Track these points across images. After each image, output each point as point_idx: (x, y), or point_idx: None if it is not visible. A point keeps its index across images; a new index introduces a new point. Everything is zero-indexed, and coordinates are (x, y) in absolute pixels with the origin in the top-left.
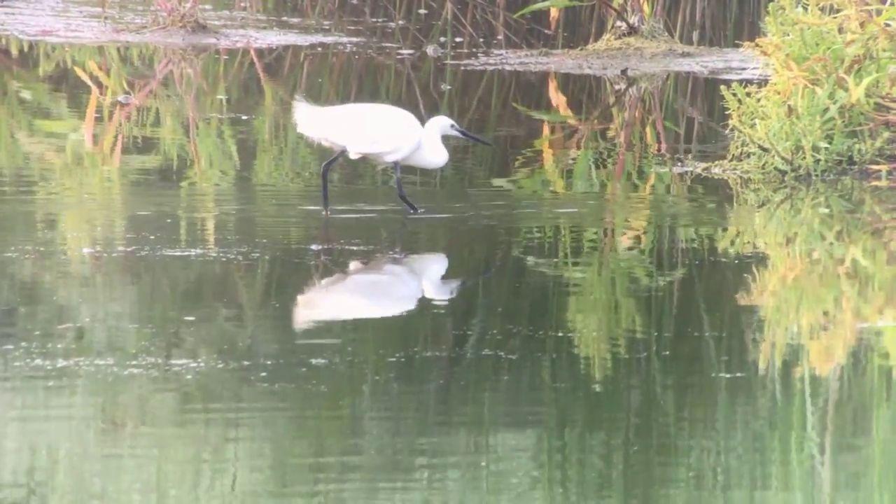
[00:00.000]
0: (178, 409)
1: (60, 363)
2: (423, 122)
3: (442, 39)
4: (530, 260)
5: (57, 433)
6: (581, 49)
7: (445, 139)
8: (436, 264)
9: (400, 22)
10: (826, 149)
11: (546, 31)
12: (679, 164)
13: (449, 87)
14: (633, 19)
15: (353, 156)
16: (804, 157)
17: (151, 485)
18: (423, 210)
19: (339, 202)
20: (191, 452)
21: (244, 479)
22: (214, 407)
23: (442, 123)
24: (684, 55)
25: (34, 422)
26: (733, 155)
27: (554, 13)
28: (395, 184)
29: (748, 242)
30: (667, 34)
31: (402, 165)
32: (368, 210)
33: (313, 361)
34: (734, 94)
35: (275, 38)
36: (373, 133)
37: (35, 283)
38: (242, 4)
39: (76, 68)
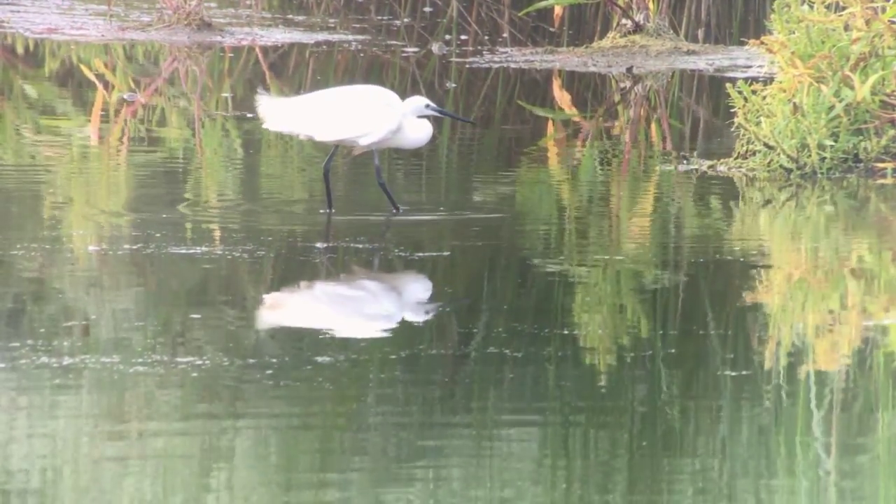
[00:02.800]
0: (184, 406)
1: (66, 361)
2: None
3: (447, 37)
4: (535, 257)
5: (63, 430)
6: (586, 47)
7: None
8: (441, 263)
9: (405, 20)
10: (831, 146)
11: (551, 29)
12: (684, 161)
13: (454, 85)
14: (639, 17)
15: (321, 141)
16: (809, 155)
17: (157, 483)
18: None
19: (343, 200)
20: (196, 450)
21: (249, 478)
22: (220, 405)
23: (416, 105)
24: (690, 53)
25: (40, 419)
26: (739, 153)
27: (559, 11)
28: (375, 172)
29: (753, 240)
30: (672, 32)
31: (383, 149)
32: (374, 209)
33: (318, 359)
34: (740, 92)
35: (280, 36)
36: (338, 118)
37: (41, 280)
38: (248, 2)
39: (82, 66)
